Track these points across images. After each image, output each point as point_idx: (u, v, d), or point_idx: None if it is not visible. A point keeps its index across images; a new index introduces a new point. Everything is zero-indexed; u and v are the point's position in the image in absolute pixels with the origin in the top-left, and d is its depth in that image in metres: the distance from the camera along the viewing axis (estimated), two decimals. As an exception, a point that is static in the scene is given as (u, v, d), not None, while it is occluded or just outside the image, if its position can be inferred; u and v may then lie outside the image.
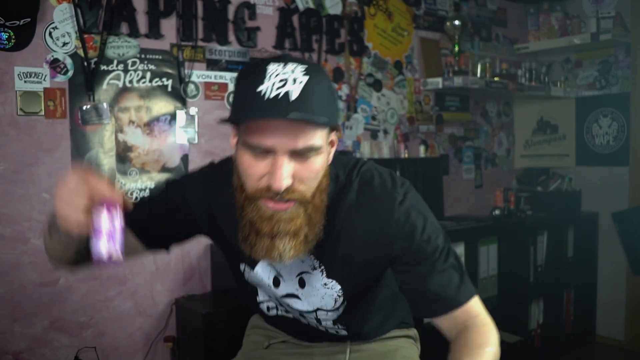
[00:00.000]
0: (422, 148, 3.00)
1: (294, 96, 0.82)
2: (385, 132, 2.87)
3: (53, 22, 1.90)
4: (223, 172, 1.04)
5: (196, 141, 2.23)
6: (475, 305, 1.06)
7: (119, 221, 0.84)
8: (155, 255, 2.15)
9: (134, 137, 2.09)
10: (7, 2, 1.77)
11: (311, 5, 2.54)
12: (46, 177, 1.91)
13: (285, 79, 0.82)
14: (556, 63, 3.51)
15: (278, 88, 0.82)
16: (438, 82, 2.93)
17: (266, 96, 0.82)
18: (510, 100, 3.57)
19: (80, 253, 0.98)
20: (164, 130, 2.16)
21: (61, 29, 1.91)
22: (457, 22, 2.92)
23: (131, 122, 2.08)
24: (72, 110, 1.95)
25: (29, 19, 1.81)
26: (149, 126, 2.12)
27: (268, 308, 1.16)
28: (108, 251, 0.82)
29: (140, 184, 2.10)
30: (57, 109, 1.92)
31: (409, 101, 2.97)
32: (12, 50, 1.81)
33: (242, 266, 1.09)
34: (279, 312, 1.15)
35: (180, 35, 2.17)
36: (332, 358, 1.18)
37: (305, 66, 0.85)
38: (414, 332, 1.26)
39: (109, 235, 0.82)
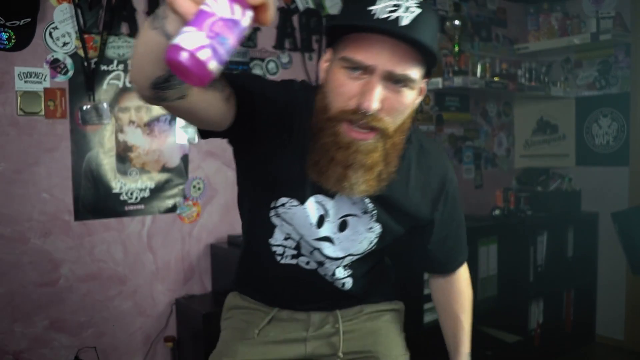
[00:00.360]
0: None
1: (404, 22, 0.82)
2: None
3: (53, 22, 1.90)
4: (309, 88, 1.00)
5: (196, 141, 2.23)
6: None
7: (244, 16, 0.54)
8: (155, 255, 2.15)
9: (134, 137, 2.09)
10: (7, 2, 1.77)
11: (311, 5, 2.54)
12: (46, 177, 1.91)
13: (399, 5, 0.83)
14: (556, 63, 3.51)
15: (389, 11, 0.82)
16: (438, 82, 2.92)
17: (376, 15, 0.82)
18: (510, 100, 3.57)
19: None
20: (164, 130, 2.16)
21: (61, 29, 1.91)
22: (457, 22, 2.92)
23: (131, 122, 2.08)
24: (72, 111, 1.95)
25: (29, 19, 1.81)
26: (149, 126, 2.12)
27: (281, 253, 1.07)
28: (201, 49, 0.51)
29: (140, 184, 2.10)
30: (57, 109, 1.92)
31: (409, 101, 2.96)
32: (12, 50, 1.81)
33: (281, 200, 1.00)
34: (292, 261, 1.07)
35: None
36: (327, 341, 1.15)
37: (420, 0, 0.86)
38: (400, 305, 1.29)
39: (216, 26, 0.52)
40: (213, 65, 0.52)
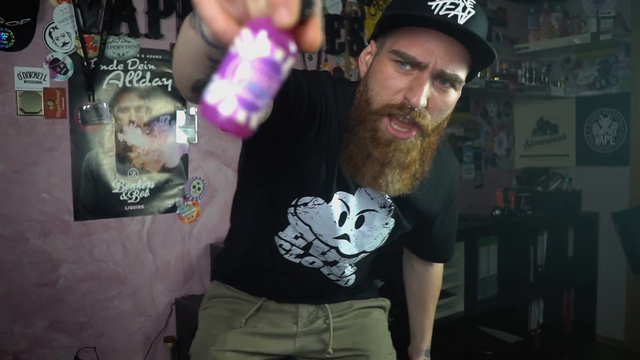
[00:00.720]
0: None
1: (461, 21, 0.81)
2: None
3: (53, 22, 1.89)
4: (337, 81, 0.97)
5: (196, 141, 2.23)
6: None
7: (281, 50, 0.42)
8: (155, 255, 2.15)
9: (134, 137, 2.09)
10: (7, 2, 1.77)
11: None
12: (46, 177, 1.91)
13: (457, 3, 0.82)
14: (556, 63, 3.51)
15: (448, 9, 0.81)
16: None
17: (435, 11, 0.81)
18: (510, 100, 3.57)
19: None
20: (164, 130, 2.15)
21: (61, 29, 1.91)
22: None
23: (131, 122, 2.08)
24: (72, 110, 1.95)
25: (28, 19, 1.81)
26: (149, 126, 2.12)
27: (288, 250, 1.04)
28: (223, 103, 0.42)
29: (140, 184, 2.10)
30: (57, 109, 1.92)
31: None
32: (12, 50, 1.81)
33: (303, 199, 0.96)
34: (295, 259, 1.04)
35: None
36: (317, 337, 1.14)
37: (475, 2, 0.85)
38: (387, 302, 1.29)
39: (241, 70, 0.42)
40: (242, 117, 0.42)
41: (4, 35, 1.78)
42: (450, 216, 1.17)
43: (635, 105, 3.13)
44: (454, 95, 0.87)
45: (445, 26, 0.81)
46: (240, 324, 1.11)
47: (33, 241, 1.89)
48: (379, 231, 1.04)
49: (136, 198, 2.09)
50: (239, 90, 0.42)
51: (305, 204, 0.96)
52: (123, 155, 2.06)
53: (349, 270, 1.09)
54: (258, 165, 1.00)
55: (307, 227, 0.99)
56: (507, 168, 3.57)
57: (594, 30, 3.06)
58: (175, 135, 2.18)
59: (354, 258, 1.06)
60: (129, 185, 2.08)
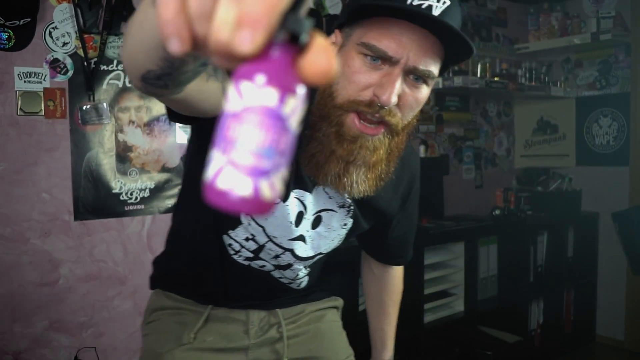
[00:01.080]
0: (422, 148, 3.00)
1: (436, 12, 0.75)
2: (385, 132, 2.87)
3: (53, 22, 1.89)
4: None
5: (196, 141, 2.23)
6: None
7: (295, 107, 0.35)
8: (155, 255, 2.15)
9: (134, 137, 2.09)
10: (7, 2, 1.77)
11: (311, 5, 2.54)
12: (46, 177, 1.91)
13: None
14: (556, 63, 3.51)
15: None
16: (438, 82, 2.92)
17: (408, 1, 0.75)
18: (510, 100, 3.57)
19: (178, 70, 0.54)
20: (164, 130, 2.15)
21: (61, 29, 1.91)
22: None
23: (131, 122, 2.08)
24: (72, 110, 1.95)
25: (28, 19, 1.81)
26: (149, 126, 2.12)
27: (237, 250, 0.95)
28: (219, 175, 0.34)
29: (140, 184, 2.10)
30: (57, 109, 1.92)
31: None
32: (12, 50, 1.81)
33: None
34: (244, 262, 0.96)
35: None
36: (270, 348, 1.06)
37: None
38: (340, 301, 1.22)
39: (233, 130, 0.34)
40: (266, 190, 0.34)
41: (4, 35, 1.78)
42: (408, 214, 1.10)
43: (635, 105, 3.13)
44: (425, 92, 0.82)
45: (420, 18, 0.75)
46: (189, 339, 1.00)
47: (33, 241, 1.89)
48: (336, 232, 0.97)
49: (136, 198, 2.09)
50: (249, 160, 0.34)
51: None
52: (123, 155, 2.06)
53: (303, 272, 1.02)
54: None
55: (261, 229, 0.92)
56: (507, 168, 3.57)
57: (594, 30, 3.06)
58: (175, 135, 2.18)
59: (309, 260, 0.99)
60: (129, 185, 2.08)
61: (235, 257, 0.96)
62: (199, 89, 0.64)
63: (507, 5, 3.46)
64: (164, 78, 0.55)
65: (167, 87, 0.57)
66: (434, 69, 0.80)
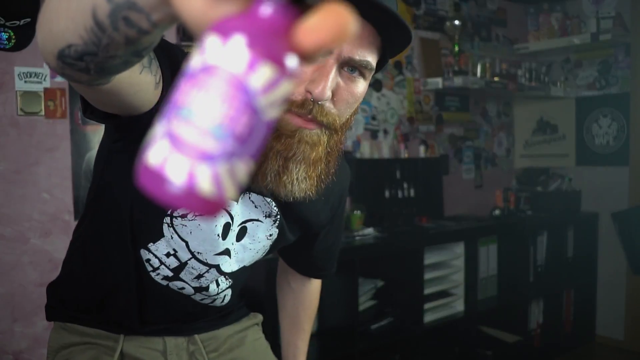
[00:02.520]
0: (422, 148, 3.00)
1: None
2: (385, 132, 2.87)
3: (53, 22, 1.90)
4: None
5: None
6: None
7: (277, 80, 0.27)
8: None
9: (134, 137, 2.09)
10: (7, 2, 1.77)
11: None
12: (46, 177, 1.91)
13: None
14: (556, 63, 3.51)
15: None
16: (438, 82, 2.93)
17: None
18: (510, 100, 3.57)
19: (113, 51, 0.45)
20: (164, 130, 2.16)
21: (61, 29, 1.91)
22: (457, 22, 2.92)
23: (131, 122, 2.08)
24: (72, 110, 1.95)
25: (29, 19, 1.81)
26: (149, 126, 2.12)
27: (156, 267, 0.85)
28: (187, 168, 0.26)
29: (141, 184, 2.10)
30: (57, 109, 1.92)
31: (409, 101, 2.97)
32: (12, 50, 1.81)
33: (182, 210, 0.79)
34: (162, 281, 0.86)
35: (180, 34, 2.17)
36: None
37: None
38: (259, 317, 1.13)
39: (220, 105, 0.26)
40: (206, 182, 0.26)
41: (5, 36, 1.79)
42: (335, 228, 1.05)
43: (634, 106, 3.13)
44: (362, 86, 0.75)
45: (354, 1, 0.67)
46: None
47: (33, 241, 1.89)
48: (261, 243, 0.90)
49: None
50: (200, 138, 0.26)
51: (184, 216, 0.80)
52: (123, 155, 2.06)
53: (224, 285, 0.92)
54: (129, 159, 0.86)
55: (184, 244, 0.83)
56: (507, 168, 3.57)
57: (594, 31, 3.06)
58: (176, 135, 2.19)
59: (229, 276, 0.91)
60: (129, 185, 2.08)
61: (153, 274, 0.85)
62: (130, 82, 0.57)
63: (507, 5, 3.47)
64: (86, 58, 0.45)
65: (89, 72, 0.48)
66: (372, 59, 0.73)
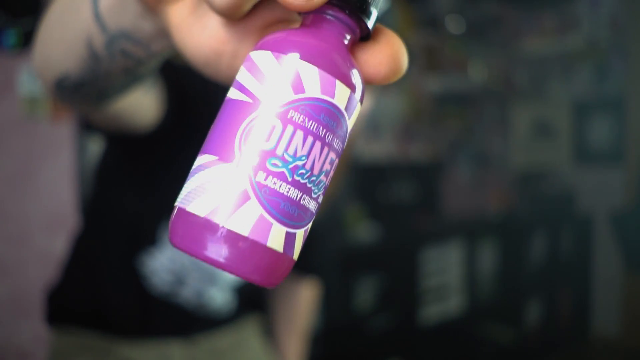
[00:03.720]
0: (421, 148, 3.03)
1: None
2: (384, 132, 2.89)
3: (56, 24, 1.91)
4: None
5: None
6: None
7: (348, 102, 0.23)
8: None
9: (136, 137, 2.10)
10: (12, 2, 1.78)
11: None
12: (49, 178, 1.93)
13: None
14: (553, 65, 3.54)
15: None
16: (437, 82, 2.95)
17: None
18: (508, 102, 3.59)
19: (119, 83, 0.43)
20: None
21: (64, 31, 1.93)
22: (456, 23, 2.94)
23: (133, 122, 2.09)
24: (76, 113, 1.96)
25: (37, 16, 1.82)
26: (150, 127, 2.13)
27: (157, 273, 0.83)
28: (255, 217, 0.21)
29: (142, 184, 2.12)
30: (62, 111, 1.93)
31: (407, 102, 2.99)
32: (18, 50, 1.82)
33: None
34: (166, 286, 0.83)
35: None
36: None
37: None
38: (261, 317, 1.08)
39: (285, 137, 0.22)
40: (279, 237, 0.22)
41: (9, 36, 1.80)
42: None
43: (630, 107, 3.16)
44: (365, 104, 0.71)
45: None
46: None
47: (37, 241, 1.91)
48: None
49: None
50: (298, 193, 0.22)
51: None
52: (125, 155, 2.08)
53: (229, 291, 0.89)
54: (128, 171, 0.80)
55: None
56: (504, 169, 3.60)
57: (590, 33, 3.09)
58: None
59: (234, 291, 0.88)
60: (131, 185, 2.09)
61: (153, 279, 0.83)
62: (129, 104, 0.53)
63: (504, 7, 3.49)
64: (83, 89, 0.43)
65: (87, 100, 0.45)
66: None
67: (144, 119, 0.60)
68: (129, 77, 0.41)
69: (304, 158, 0.22)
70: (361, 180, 2.67)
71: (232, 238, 0.21)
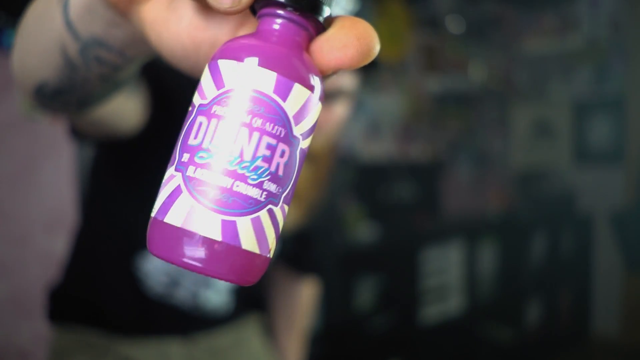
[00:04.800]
0: (421, 148, 3.03)
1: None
2: (384, 132, 2.89)
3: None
4: None
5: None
6: None
7: (306, 101, 0.23)
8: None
9: (136, 137, 2.10)
10: (11, 3, 1.78)
11: None
12: (48, 176, 1.93)
13: None
14: (553, 64, 3.54)
15: None
16: (437, 82, 2.95)
17: None
18: (508, 101, 3.60)
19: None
20: (165, 130, 2.17)
21: (64, 31, 1.93)
22: (456, 23, 2.95)
23: (133, 122, 2.09)
24: (75, 111, 1.96)
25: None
26: (150, 127, 2.13)
27: (155, 273, 0.82)
28: (215, 218, 0.22)
29: (142, 184, 2.12)
30: (60, 110, 1.93)
31: (407, 102, 2.99)
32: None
33: None
34: (164, 286, 0.82)
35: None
36: None
37: None
38: (261, 316, 1.07)
39: (245, 136, 0.22)
40: (249, 239, 0.23)
41: (9, 35, 1.80)
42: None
43: (631, 107, 3.16)
44: (339, 110, 0.70)
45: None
46: None
47: (36, 240, 1.91)
48: None
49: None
50: (232, 183, 0.22)
51: None
52: (125, 155, 2.08)
53: (226, 291, 0.89)
54: (119, 172, 0.79)
55: None
56: (506, 168, 3.60)
57: (590, 33, 3.09)
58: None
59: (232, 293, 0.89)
60: (131, 185, 2.09)
61: (151, 279, 0.82)
62: (111, 110, 0.52)
63: (507, 5, 3.49)
64: (62, 96, 0.42)
65: (67, 108, 0.45)
66: (345, 81, 0.66)
67: (128, 123, 0.59)
68: (108, 84, 0.41)
69: (229, 146, 0.22)
70: (361, 180, 2.67)
71: (165, 229, 0.23)
